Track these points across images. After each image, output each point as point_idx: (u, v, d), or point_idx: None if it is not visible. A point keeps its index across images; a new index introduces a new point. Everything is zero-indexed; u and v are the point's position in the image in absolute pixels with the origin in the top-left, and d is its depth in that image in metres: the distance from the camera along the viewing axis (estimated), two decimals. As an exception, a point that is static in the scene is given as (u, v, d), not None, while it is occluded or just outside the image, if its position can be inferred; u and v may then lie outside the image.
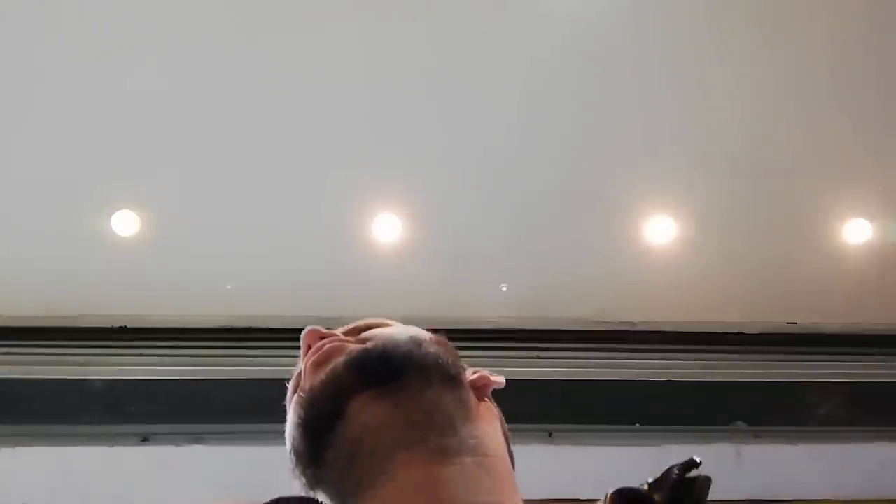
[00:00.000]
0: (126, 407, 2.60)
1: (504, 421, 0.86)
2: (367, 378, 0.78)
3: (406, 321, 0.91)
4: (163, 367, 2.64)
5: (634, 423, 2.69)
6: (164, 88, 2.42)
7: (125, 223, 2.56)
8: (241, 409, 2.55)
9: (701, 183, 2.65)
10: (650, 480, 0.57)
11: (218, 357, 2.65)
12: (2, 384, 2.58)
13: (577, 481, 2.43)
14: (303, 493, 0.78)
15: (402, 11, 2.37)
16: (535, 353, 2.73)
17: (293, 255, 2.62)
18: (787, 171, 2.62)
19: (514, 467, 0.80)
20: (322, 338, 0.85)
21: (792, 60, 2.48)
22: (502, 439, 0.83)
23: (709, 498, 0.65)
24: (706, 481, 0.57)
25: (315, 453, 0.76)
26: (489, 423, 0.81)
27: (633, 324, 2.81)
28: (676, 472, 0.57)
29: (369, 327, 0.89)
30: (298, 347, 0.88)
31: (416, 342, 0.82)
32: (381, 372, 0.78)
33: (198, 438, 2.56)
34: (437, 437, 0.75)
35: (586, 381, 2.70)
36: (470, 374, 0.85)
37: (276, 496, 0.73)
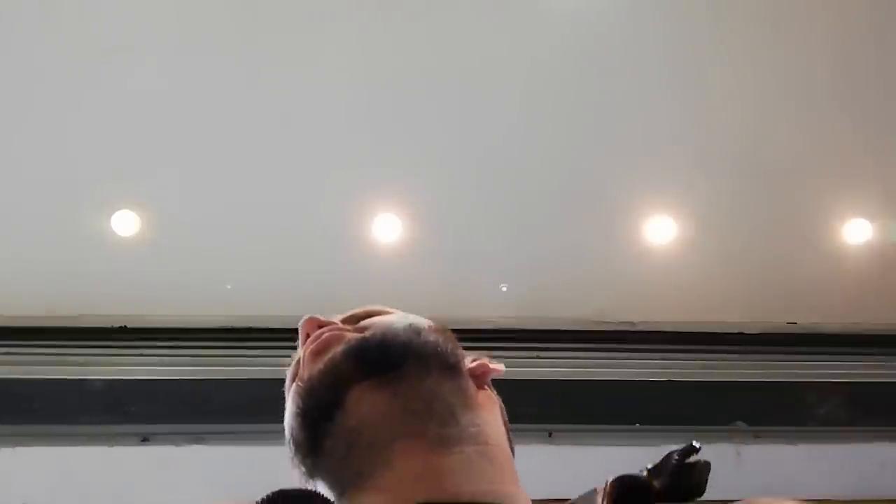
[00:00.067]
0: (126, 407, 2.60)
1: (504, 409, 0.86)
2: (365, 368, 0.77)
3: (406, 320, 0.90)
4: (163, 367, 2.63)
5: (634, 423, 2.69)
6: (164, 88, 2.42)
7: (125, 223, 2.56)
8: (241, 409, 2.54)
9: (701, 183, 2.65)
10: (649, 466, 0.57)
11: (218, 357, 2.65)
12: (2, 384, 2.58)
13: (577, 481, 2.38)
14: (302, 482, 0.78)
15: (402, 11, 2.37)
16: (535, 353, 2.72)
17: (293, 255, 2.62)
18: (787, 171, 2.62)
19: (513, 455, 0.80)
20: (320, 326, 0.85)
21: (792, 60, 2.48)
22: (503, 428, 0.82)
23: (709, 498, 0.65)
24: (705, 466, 0.57)
25: (314, 443, 0.76)
26: (489, 412, 0.81)
27: (633, 324, 2.80)
28: (676, 457, 0.57)
29: (368, 315, 0.89)
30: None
31: (416, 330, 0.82)
32: (380, 361, 0.78)
33: (198, 438, 2.55)
34: (436, 426, 0.75)
35: (586, 381, 2.70)
36: (469, 362, 0.84)
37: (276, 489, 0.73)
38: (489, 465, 0.74)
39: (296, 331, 0.88)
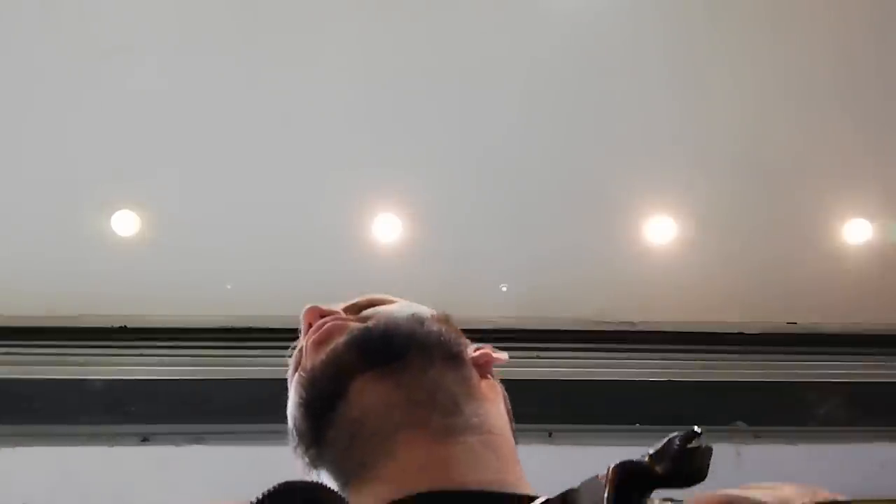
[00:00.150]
0: (126, 407, 2.60)
1: (507, 398, 0.86)
2: (368, 358, 0.77)
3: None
4: (163, 367, 2.63)
5: (634, 423, 2.68)
6: (164, 88, 2.41)
7: (125, 223, 2.56)
8: (241, 409, 2.54)
9: (701, 183, 2.65)
10: (651, 452, 0.57)
11: (218, 357, 2.65)
12: (2, 384, 2.58)
13: (577, 481, 2.41)
14: (305, 472, 0.78)
15: (402, 11, 2.37)
16: (535, 353, 2.72)
17: (293, 255, 2.61)
18: (787, 171, 2.62)
19: (516, 444, 0.80)
20: (322, 315, 0.85)
21: (792, 60, 2.48)
22: (506, 417, 0.82)
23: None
24: (707, 451, 0.57)
25: (317, 433, 0.76)
26: (492, 401, 0.81)
27: (633, 324, 2.80)
28: (678, 442, 0.57)
29: (371, 304, 0.89)
30: (298, 348, 0.87)
31: (419, 320, 0.82)
32: (382, 352, 0.77)
33: (198, 438, 2.55)
34: (440, 416, 0.74)
35: (586, 381, 2.70)
36: (472, 352, 0.84)
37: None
38: (493, 455, 0.74)
39: (296, 331, 0.88)
